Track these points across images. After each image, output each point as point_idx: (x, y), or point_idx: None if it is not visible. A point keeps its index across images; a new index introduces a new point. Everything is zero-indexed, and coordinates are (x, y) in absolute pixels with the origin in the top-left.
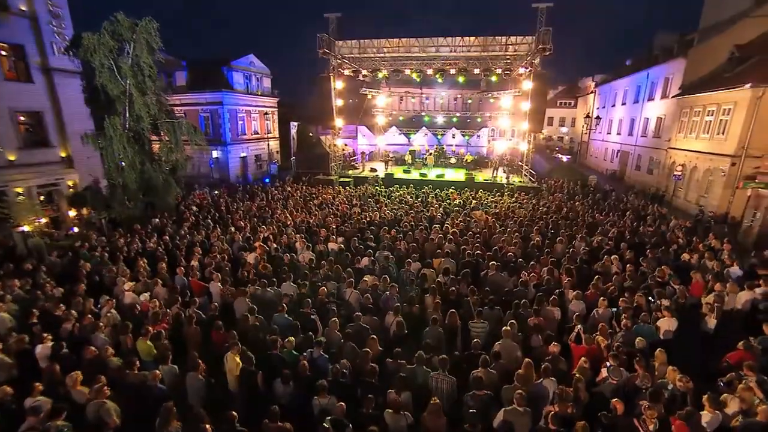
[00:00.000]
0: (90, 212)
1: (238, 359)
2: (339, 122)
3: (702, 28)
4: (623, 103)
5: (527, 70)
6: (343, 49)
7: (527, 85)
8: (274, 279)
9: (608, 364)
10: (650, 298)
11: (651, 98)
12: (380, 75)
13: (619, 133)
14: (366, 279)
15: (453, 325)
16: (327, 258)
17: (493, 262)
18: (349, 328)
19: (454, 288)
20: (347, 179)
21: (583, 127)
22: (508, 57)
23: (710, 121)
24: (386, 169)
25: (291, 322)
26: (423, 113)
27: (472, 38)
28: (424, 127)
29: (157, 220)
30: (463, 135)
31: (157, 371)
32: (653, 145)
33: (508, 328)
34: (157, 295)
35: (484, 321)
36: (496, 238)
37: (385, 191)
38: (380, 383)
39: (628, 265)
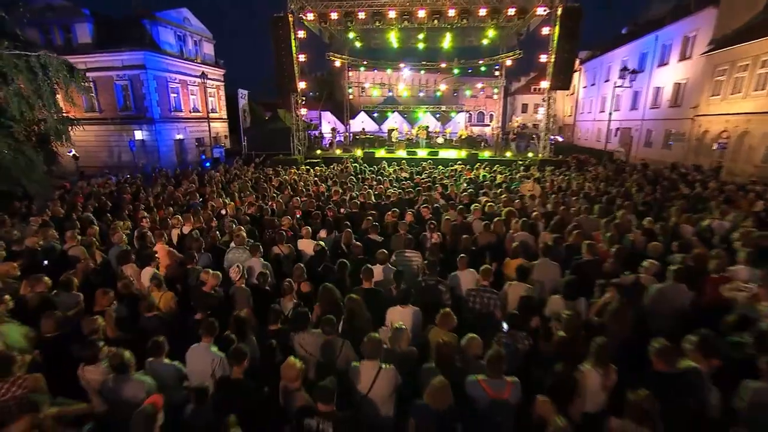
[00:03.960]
0: None
1: None
2: (302, 84)
3: None
4: (617, 86)
5: (545, 11)
6: None
7: (546, 30)
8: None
9: None
10: None
11: (664, 63)
12: (350, 35)
13: (617, 110)
14: (397, 325)
15: None
16: (295, 270)
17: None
18: None
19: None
20: (316, 159)
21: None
22: None
23: (765, 73)
24: (363, 149)
25: None
26: (401, 86)
27: None
28: (396, 112)
29: None
30: (437, 119)
31: None
32: (670, 116)
33: None
34: None
35: None
36: (582, 221)
37: (372, 168)
38: None
39: None
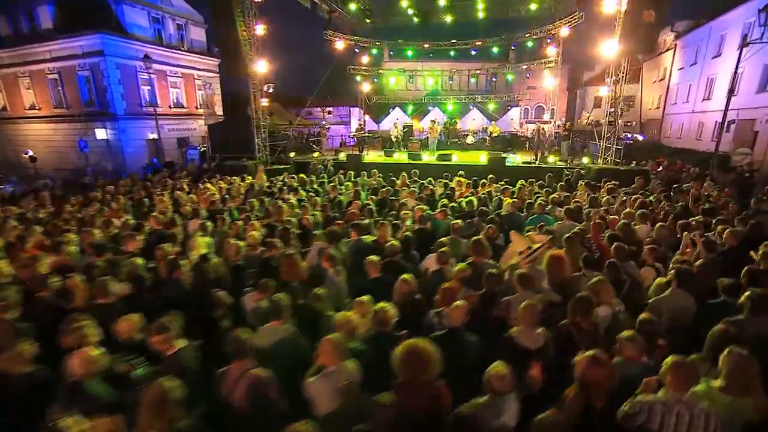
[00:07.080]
0: None
1: None
2: (262, 65)
3: None
4: (744, 46)
5: None
6: None
7: None
8: None
9: None
10: None
11: None
12: (351, 6)
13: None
14: None
15: None
16: None
17: None
18: None
19: None
20: (284, 165)
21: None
22: None
23: None
24: (359, 151)
25: None
26: (426, 74)
27: None
28: (436, 107)
29: None
30: (484, 116)
31: None
32: None
33: None
34: None
35: None
36: None
37: (320, 181)
38: None
39: None
